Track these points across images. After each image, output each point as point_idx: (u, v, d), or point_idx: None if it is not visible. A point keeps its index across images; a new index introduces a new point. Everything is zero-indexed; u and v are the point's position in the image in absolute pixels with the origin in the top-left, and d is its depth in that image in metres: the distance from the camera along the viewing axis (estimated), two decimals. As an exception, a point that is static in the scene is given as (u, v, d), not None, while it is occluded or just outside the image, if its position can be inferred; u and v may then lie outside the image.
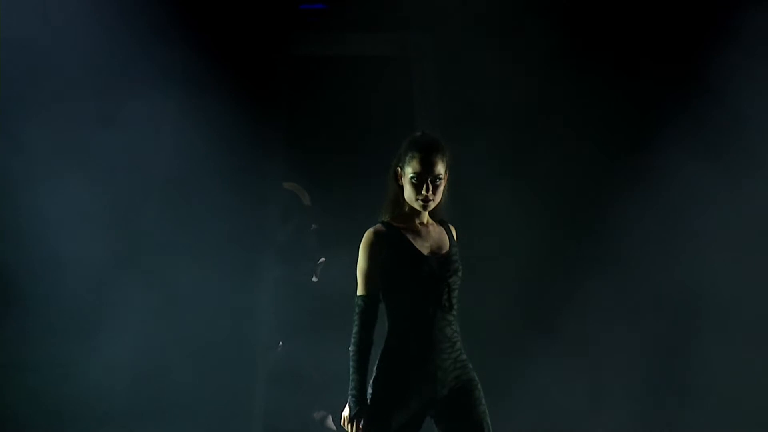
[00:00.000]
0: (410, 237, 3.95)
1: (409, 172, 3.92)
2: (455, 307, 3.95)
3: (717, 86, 6.64)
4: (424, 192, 3.91)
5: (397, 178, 3.98)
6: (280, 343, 6.93)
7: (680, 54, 6.74)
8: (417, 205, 3.94)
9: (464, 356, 3.98)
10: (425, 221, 4.01)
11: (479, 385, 3.97)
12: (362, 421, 3.86)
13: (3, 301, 6.53)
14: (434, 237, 4.00)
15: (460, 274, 3.97)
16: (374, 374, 3.95)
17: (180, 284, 6.62)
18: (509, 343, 6.68)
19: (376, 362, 3.95)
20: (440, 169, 3.94)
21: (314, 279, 6.78)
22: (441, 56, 6.77)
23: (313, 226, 6.84)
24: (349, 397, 3.86)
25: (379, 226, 3.96)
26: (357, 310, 3.91)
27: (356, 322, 3.90)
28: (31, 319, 6.55)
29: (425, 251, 3.94)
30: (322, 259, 6.73)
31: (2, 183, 6.47)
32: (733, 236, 6.68)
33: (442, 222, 4.08)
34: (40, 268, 6.53)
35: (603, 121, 6.71)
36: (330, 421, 6.83)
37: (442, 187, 3.97)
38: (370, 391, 3.91)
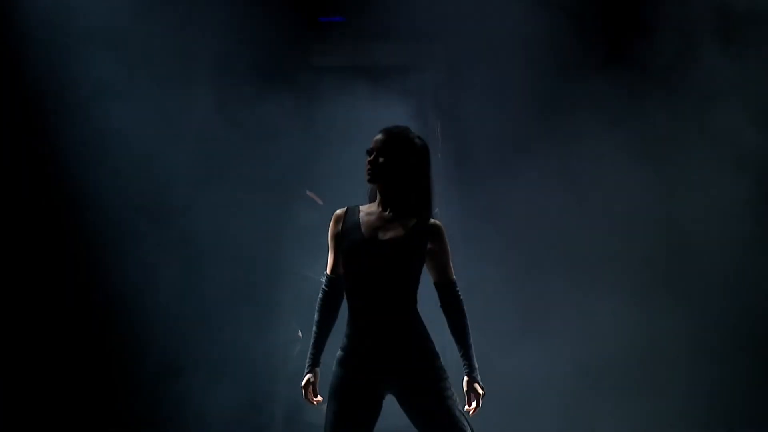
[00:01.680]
0: (364, 220, 4.01)
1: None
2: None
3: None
4: (368, 161, 4.01)
5: None
6: (300, 334, 6.91)
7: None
8: (367, 177, 4.03)
9: (421, 341, 3.98)
10: (391, 209, 4.01)
11: (441, 374, 3.97)
12: (309, 388, 4.05)
13: None
14: (388, 224, 4.00)
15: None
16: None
17: (203, 282, 6.76)
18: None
19: None
20: (385, 147, 3.98)
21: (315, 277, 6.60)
22: (453, 65, 6.84)
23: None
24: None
25: (342, 209, 4.10)
26: (321, 285, 4.12)
27: (318, 296, 4.10)
28: None
29: (368, 234, 3.98)
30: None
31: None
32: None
33: (423, 218, 4.03)
34: None
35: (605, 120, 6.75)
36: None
37: (387, 167, 3.97)
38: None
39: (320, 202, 7.01)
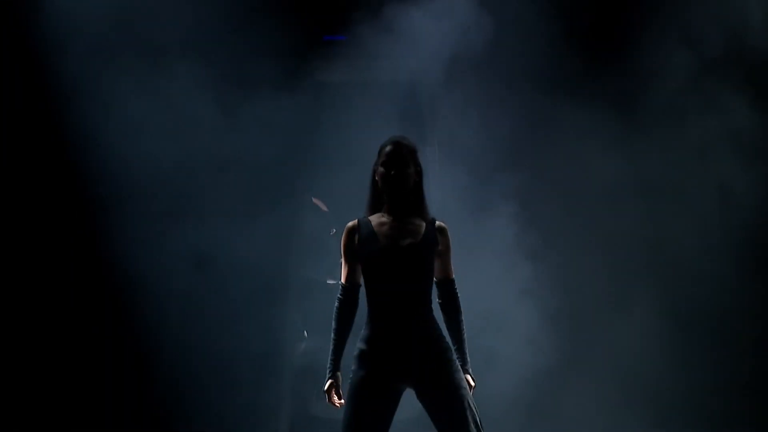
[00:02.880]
0: (379, 230, 4.11)
1: (380, 162, 4.15)
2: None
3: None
4: (391, 173, 4.09)
5: (375, 177, 4.18)
6: (305, 333, 7.04)
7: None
8: (387, 188, 4.11)
9: (438, 336, 4.12)
10: (400, 216, 4.13)
11: (455, 365, 4.10)
12: (332, 391, 4.17)
13: None
14: (403, 230, 4.11)
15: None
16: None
17: (211, 283, 6.84)
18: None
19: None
20: (402, 159, 4.08)
21: (330, 281, 6.68)
22: (448, 81, 6.86)
23: (333, 230, 6.79)
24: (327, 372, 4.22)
25: (353, 221, 4.19)
26: (337, 294, 4.25)
27: (335, 305, 4.22)
28: None
29: (386, 242, 4.08)
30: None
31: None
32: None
33: (428, 220, 4.16)
34: None
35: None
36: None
37: (406, 177, 4.08)
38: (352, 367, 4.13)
39: (324, 208, 7.11)
